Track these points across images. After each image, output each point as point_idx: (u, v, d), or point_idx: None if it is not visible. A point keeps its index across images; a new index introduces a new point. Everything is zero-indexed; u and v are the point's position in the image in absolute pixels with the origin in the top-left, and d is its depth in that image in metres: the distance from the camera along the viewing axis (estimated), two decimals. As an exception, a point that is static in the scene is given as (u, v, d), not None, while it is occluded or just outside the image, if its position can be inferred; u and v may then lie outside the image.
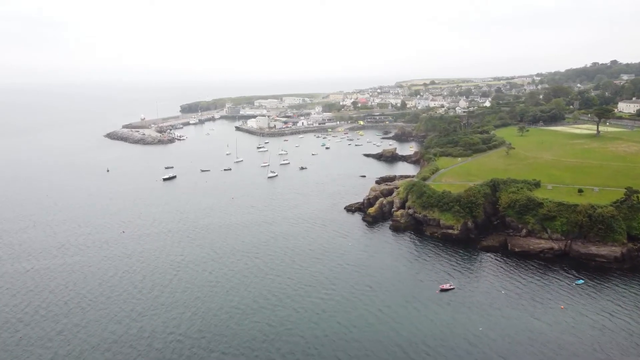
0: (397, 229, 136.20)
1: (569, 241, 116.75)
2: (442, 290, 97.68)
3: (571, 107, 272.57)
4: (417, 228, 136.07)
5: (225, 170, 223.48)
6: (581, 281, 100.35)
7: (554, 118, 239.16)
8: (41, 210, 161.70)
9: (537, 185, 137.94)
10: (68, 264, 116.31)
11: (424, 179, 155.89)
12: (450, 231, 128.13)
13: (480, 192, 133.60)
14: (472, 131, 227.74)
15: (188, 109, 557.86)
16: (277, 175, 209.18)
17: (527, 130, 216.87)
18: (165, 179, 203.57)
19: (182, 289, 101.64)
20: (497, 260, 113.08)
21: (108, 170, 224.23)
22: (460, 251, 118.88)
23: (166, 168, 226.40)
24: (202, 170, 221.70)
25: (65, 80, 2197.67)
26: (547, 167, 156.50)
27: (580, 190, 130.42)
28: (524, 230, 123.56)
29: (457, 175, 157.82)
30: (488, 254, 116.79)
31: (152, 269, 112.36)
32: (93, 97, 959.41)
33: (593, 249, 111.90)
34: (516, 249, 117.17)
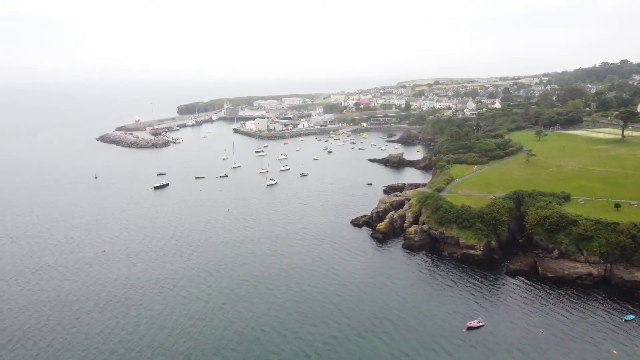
0: (410, 247, 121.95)
1: (609, 265, 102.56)
2: (470, 328, 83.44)
3: (587, 109, 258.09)
4: (433, 247, 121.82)
5: (221, 177, 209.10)
6: (631, 316, 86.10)
7: (572, 121, 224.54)
8: (21, 224, 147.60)
9: (566, 198, 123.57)
10: (43, 291, 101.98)
11: (439, 190, 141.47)
12: (471, 251, 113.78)
13: (505, 207, 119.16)
14: (485, 135, 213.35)
15: (185, 109, 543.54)
16: (276, 183, 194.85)
17: (545, 135, 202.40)
18: (156, 188, 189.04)
19: (172, 325, 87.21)
20: (528, 287, 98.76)
21: (96, 177, 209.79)
22: (485, 276, 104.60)
23: (158, 175, 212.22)
24: (197, 177, 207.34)
25: (64, 80, 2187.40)
26: (574, 177, 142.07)
27: (617, 205, 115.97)
28: (556, 252, 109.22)
29: (474, 186, 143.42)
30: (517, 280, 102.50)
31: (138, 298, 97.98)
32: (91, 98, 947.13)
33: (639, 275, 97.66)
34: (549, 274, 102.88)
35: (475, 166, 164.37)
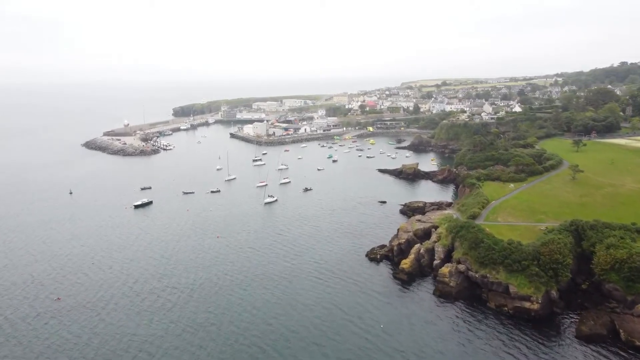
0: (445, 294, 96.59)
1: None
2: None
3: (622, 114, 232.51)
4: (473, 294, 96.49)
5: (212, 192, 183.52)
6: None
7: (610, 128, 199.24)
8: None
9: (639, 232, 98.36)
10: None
11: (474, 216, 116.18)
12: (526, 304, 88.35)
13: (567, 245, 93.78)
14: (513, 144, 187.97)
15: (181, 112, 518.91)
16: (276, 200, 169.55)
17: (584, 145, 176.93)
18: (137, 206, 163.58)
19: None
20: (613, 363, 73.46)
21: (71, 193, 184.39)
22: (551, 342, 79.30)
23: (142, 189, 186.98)
24: (185, 193, 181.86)
25: (65, 81, 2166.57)
26: (638, 201, 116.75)
27: None
28: (639, 307, 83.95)
29: (516, 212, 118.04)
30: (594, 349, 77.19)
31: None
32: (86, 99, 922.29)
33: None
34: (637, 341, 77.56)
35: (512, 184, 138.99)
